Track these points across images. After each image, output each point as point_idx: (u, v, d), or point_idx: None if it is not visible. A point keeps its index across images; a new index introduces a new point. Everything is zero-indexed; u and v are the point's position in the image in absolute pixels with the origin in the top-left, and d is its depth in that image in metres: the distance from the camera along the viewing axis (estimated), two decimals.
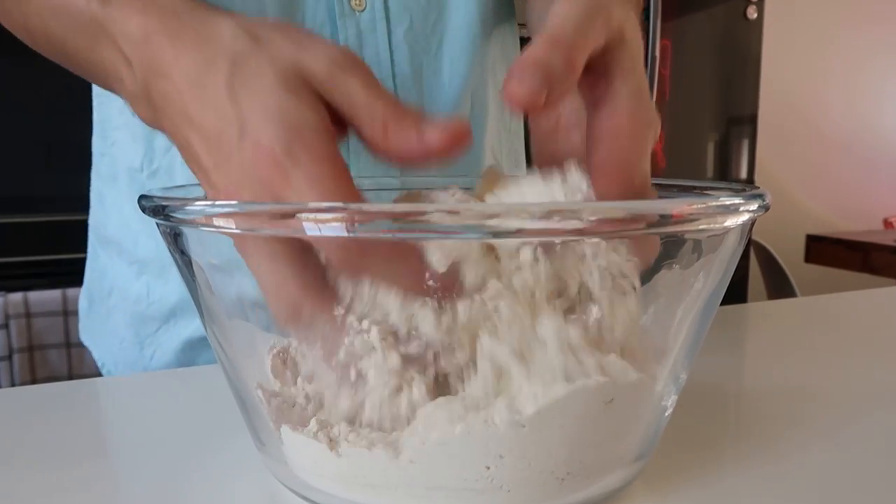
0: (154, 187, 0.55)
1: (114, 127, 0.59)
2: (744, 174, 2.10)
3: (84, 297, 0.66)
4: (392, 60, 0.52)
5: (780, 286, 2.14)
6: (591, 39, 0.30)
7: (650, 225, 0.26)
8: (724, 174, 2.08)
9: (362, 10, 0.51)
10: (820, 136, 2.57)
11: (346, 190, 0.28)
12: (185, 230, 0.30)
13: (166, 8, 0.33)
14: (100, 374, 0.63)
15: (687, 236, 0.30)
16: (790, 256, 2.22)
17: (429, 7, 0.54)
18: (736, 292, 1.98)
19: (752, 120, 2.09)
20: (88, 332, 0.65)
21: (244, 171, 0.29)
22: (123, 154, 0.58)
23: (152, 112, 0.33)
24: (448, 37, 0.54)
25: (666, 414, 0.33)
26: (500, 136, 0.64)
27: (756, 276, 2.23)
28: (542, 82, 0.28)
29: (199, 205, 0.28)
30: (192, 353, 0.58)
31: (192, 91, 0.31)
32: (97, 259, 0.64)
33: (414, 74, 0.54)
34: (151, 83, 0.33)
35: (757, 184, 1.74)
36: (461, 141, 0.29)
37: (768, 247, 2.16)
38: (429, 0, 0.54)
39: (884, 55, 2.63)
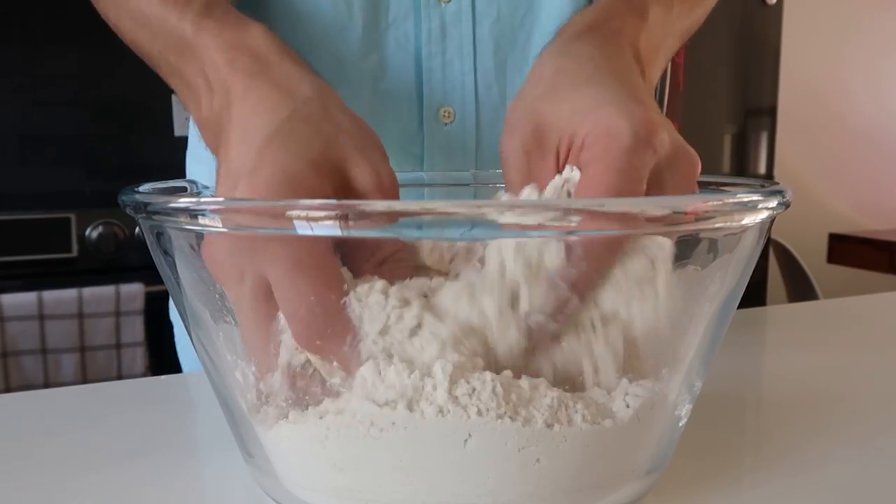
0: None
1: None
2: (762, 169, 2.11)
3: None
4: (475, 54, 0.53)
5: (801, 288, 2.14)
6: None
7: (665, 223, 0.26)
8: (742, 169, 2.08)
9: (448, 2, 0.52)
10: (843, 129, 2.57)
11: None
12: (170, 230, 0.30)
13: (256, 49, 0.36)
14: (79, 382, 0.64)
15: (702, 235, 0.30)
16: (812, 257, 2.22)
17: (518, 0, 0.54)
18: (754, 294, 1.98)
19: (772, 112, 2.09)
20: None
21: None
22: None
23: (215, 140, 0.36)
24: (537, 31, 0.54)
25: (680, 424, 0.33)
26: None
27: (776, 277, 2.23)
28: None
29: (184, 202, 0.28)
30: None
31: (241, 125, 0.33)
32: None
33: (497, 69, 0.54)
34: (221, 113, 0.35)
35: (776, 179, 1.74)
36: None
37: (789, 246, 2.16)
38: None
39: None
